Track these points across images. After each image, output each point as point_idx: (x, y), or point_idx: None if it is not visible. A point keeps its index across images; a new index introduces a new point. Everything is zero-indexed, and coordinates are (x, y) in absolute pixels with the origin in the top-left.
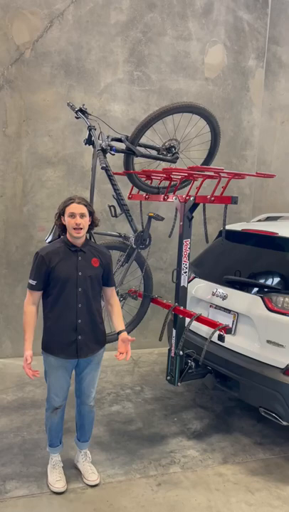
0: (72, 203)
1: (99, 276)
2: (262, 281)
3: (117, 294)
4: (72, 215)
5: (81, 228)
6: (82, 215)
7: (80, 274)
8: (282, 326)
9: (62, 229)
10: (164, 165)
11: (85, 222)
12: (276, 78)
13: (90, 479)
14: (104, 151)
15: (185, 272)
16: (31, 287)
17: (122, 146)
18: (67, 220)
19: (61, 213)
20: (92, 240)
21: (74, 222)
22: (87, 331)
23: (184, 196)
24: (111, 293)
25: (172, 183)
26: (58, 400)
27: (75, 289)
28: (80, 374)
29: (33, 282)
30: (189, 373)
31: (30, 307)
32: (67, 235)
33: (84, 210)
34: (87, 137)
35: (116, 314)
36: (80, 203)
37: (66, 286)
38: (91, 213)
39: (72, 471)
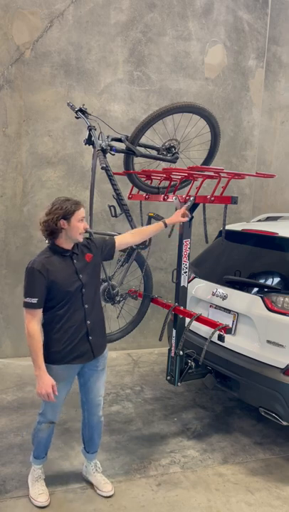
0: (81, 207)
1: (98, 265)
2: (262, 281)
3: (117, 294)
4: (82, 220)
5: None
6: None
7: (81, 276)
8: (282, 326)
9: (50, 233)
10: (164, 165)
11: None
12: (276, 78)
13: (104, 490)
14: (104, 151)
15: (185, 272)
16: (32, 306)
17: (122, 146)
18: (75, 225)
19: (63, 217)
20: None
21: (83, 227)
22: (95, 328)
23: (183, 196)
24: (121, 238)
25: (172, 183)
26: (56, 415)
27: (80, 293)
28: (86, 384)
29: (34, 300)
30: (189, 373)
31: (36, 328)
32: (60, 241)
33: None
34: (87, 137)
35: (141, 230)
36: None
37: (72, 294)
38: None
39: (71, 471)
